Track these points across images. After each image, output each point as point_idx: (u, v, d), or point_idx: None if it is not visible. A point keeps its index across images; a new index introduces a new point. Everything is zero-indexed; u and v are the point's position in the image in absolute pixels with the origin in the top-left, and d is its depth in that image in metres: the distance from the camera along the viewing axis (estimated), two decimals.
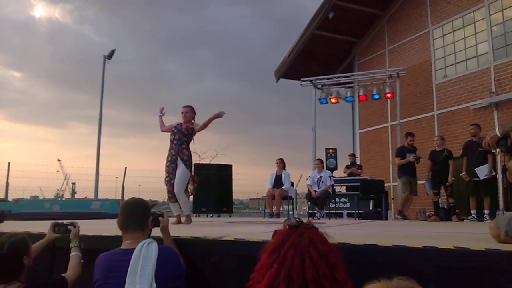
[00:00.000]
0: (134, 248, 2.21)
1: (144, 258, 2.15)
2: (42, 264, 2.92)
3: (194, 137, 5.83)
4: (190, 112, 5.79)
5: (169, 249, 2.32)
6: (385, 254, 2.40)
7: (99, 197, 14.60)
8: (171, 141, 5.74)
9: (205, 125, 5.75)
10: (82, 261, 2.74)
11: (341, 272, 1.37)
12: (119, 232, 3.32)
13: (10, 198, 13.16)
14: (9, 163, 13.05)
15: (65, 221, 2.97)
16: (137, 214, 2.41)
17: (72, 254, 2.75)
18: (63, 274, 2.56)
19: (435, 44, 11.86)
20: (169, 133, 5.80)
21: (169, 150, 5.75)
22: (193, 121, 5.82)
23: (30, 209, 11.59)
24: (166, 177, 5.69)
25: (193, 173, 5.87)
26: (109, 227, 4.78)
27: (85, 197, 16.18)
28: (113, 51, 15.78)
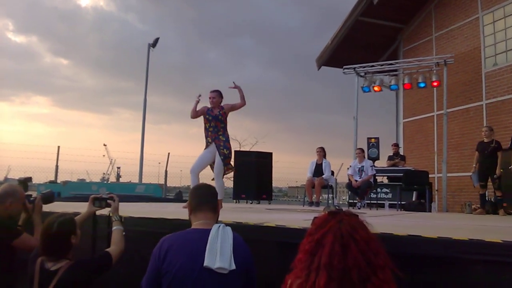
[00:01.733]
0: (208, 229, 2.23)
1: (222, 238, 2.18)
2: (84, 238, 3.02)
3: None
4: (217, 97, 5.81)
5: (240, 237, 2.32)
6: (429, 245, 2.37)
7: (143, 181, 15.01)
8: (207, 129, 5.79)
9: (242, 98, 5.81)
10: (124, 233, 2.77)
11: (382, 257, 1.38)
12: (165, 215, 3.42)
13: (59, 181, 13.77)
14: (58, 147, 13.61)
15: (104, 195, 2.98)
16: (211, 196, 2.45)
17: (114, 228, 2.80)
18: (107, 249, 2.63)
19: (485, 30, 11.32)
20: (203, 121, 5.83)
21: (206, 138, 5.79)
22: (221, 105, 5.84)
23: (78, 191, 12.06)
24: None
25: (231, 159, 5.88)
26: (155, 210, 4.94)
27: (130, 181, 16.69)
28: (157, 40, 15.99)
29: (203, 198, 2.41)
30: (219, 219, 2.90)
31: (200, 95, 5.87)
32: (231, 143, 5.91)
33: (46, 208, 3.90)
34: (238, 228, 2.93)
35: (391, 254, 1.40)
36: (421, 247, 2.40)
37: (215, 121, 5.75)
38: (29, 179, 3.59)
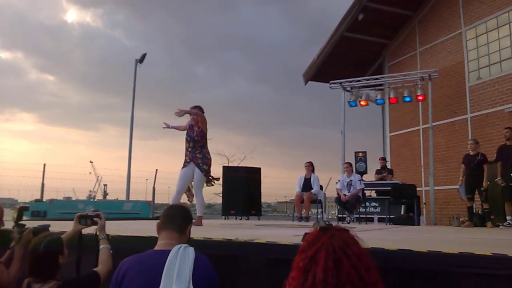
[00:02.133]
0: (168, 250, 2.14)
1: (181, 260, 2.08)
2: (70, 258, 2.88)
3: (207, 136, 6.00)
4: (197, 111, 5.91)
5: (204, 257, 2.23)
6: (420, 260, 2.36)
7: (130, 198, 14.86)
8: (186, 148, 5.96)
9: (195, 114, 5.86)
10: (111, 251, 2.71)
11: (374, 272, 1.38)
12: (153, 234, 3.37)
13: (45, 199, 13.56)
14: (44, 165, 13.44)
15: (90, 213, 2.90)
16: (180, 217, 2.36)
17: (101, 247, 2.73)
18: (95, 269, 2.58)
19: (468, 45, 11.55)
20: (184, 140, 6.00)
21: (185, 156, 5.97)
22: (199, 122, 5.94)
23: (64, 209, 11.89)
24: None
25: (210, 174, 6.00)
26: (143, 228, 4.87)
27: (117, 198, 16.51)
28: (144, 55, 16.06)
29: (170, 218, 2.33)
30: (206, 236, 2.88)
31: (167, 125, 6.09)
32: (210, 156, 6.04)
33: (33, 226, 3.83)
34: (228, 245, 2.92)
35: (381, 269, 1.40)
36: (412, 261, 2.40)
37: (193, 142, 5.93)
38: (26, 208, 3.44)
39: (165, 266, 2.04)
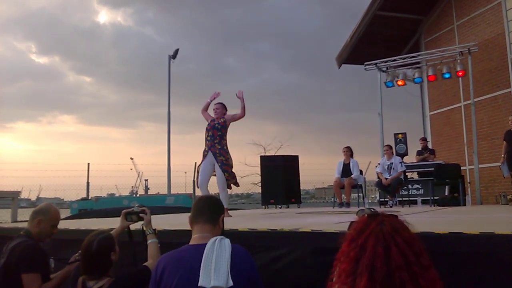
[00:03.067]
0: (204, 244, 2.10)
1: (217, 253, 2.03)
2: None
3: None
4: (221, 108, 6.13)
5: (242, 248, 2.19)
6: (472, 242, 2.29)
7: (171, 192, 15.13)
8: (205, 138, 6.10)
9: (243, 109, 6.09)
10: (158, 245, 2.73)
11: (425, 257, 1.34)
12: None
13: (90, 197, 14.03)
14: (88, 164, 13.89)
15: (135, 209, 2.92)
16: (209, 208, 2.31)
17: (149, 241, 2.77)
18: (145, 264, 2.61)
19: (509, 15, 10.98)
20: (204, 131, 6.15)
21: (205, 146, 6.10)
22: (224, 116, 6.13)
23: (110, 206, 12.23)
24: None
25: (231, 168, 6.08)
26: (187, 221, 4.94)
27: (158, 192, 16.87)
28: (177, 50, 16.13)
29: (200, 210, 2.29)
30: (252, 227, 2.88)
31: (217, 94, 6.29)
32: (228, 150, 6.10)
33: (82, 225, 3.97)
34: (273, 235, 2.92)
35: (433, 253, 1.37)
36: (464, 244, 2.33)
37: (212, 130, 6.05)
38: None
39: (202, 261, 2.02)
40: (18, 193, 7.54)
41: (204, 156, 6.05)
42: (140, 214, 2.89)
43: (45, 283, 2.72)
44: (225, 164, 5.93)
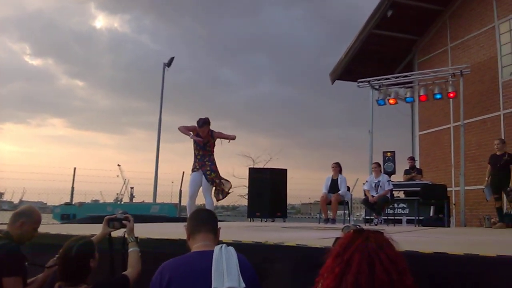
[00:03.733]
0: (209, 250, 2.16)
1: (226, 258, 2.10)
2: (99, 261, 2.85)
3: (220, 140, 6.35)
4: (207, 128, 6.19)
5: (243, 255, 2.23)
6: (456, 263, 2.27)
7: (156, 201, 14.98)
8: (195, 155, 6.30)
9: (229, 137, 6.32)
10: (139, 254, 2.68)
11: (409, 276, 1.34)
12: (182, 236, 3.35)
13: (74, 202, 13.83)
14: (74, 169, 13.71)
15: (118, 216, 2.87)
16: (210, 219, 2.39)
17: (130, 250, 2.71)
18: (124, 272, 2.56)
19: (502, 39, 11.15)
20: (193, 147, 6.33)
21: (194, 162, 6.30)
22: (211, 129, 6.25)
23: (94, 212, 12.07)
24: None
25: (220, 178, 6.26)
26: (171, 231, 4.88)
27: (143, 201, 16.73)
28: (172, 59, 16.11)
29: (201, 220, 2.35)
30: (236, 239, 2.84)
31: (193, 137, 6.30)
32: (217, 165, 6.31)
33: (63, 230, 3.88)
34: (257, 248, 2.87)
35: (416, 273, 1.36)
36: (448, 264, 2.31)
37: (203, 150, 6.25)
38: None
39: (213, 264, 2.06)
40: (0, 194, 7.38)
41: (194, 170, 6.26)
42: (123, 221, 2.83)
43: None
44: (214, 181, 6.18)
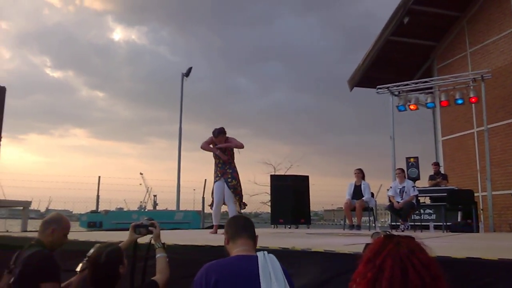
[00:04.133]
0: (252, 255, 2.20)
1: (271, 263, 2.14)
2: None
3: (236, 150, 6.39)
4: (223, 137, 6.25)
5: (282, 265, 2.27)
6: (490, 268, 2.24)
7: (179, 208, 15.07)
8: (216, 164, 6.32)
9: (236, 146, 6.32)
10: (167, 259, 2.70)
11: (442, 282, 1.30)
12: (208, 243, 3.39)
13: (99, 210, 14.03)
14: (99, 177, 13.88)
15: (144, 222, 2.90)
16: (250, 226, 2.41)
17: (157, 256, 2.74)
18: (153, 278, 2.58)
19: None
20: (213, 156, 6.34)
21: (215, 172, 6.32)
22: (228, 141, 6.29)
23: (119, 219, 12.21)
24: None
25: (241, 191, 6.33)
26: (197, 237, 4.93)
27: (166, 208, 16.83)
28: (190, 69, 16.30)
29: (241, 226, 2.37)
30: (262, 245, 2.85)
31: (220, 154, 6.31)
32: (239, 174, 6.34)
33: (92, 238, 3.95)
34: (285, 254, 2.87)
35: (448, 278, 1.33)
36: (482, 270, 2.27)
37: (222, 159, 6.26)
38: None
39: (260, 269, 2.09)
40: (29, 203, 7.57)
41: (216, 179, 6.31)
42: (150, 228, 2.86)
43: None
44: (235, 189, 6.21)
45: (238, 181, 6.28)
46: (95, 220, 12.63)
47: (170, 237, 3.92)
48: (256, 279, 2.05)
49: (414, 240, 1.41)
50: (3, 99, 7.22)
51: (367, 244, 1.66)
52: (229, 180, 6.18)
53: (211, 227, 6.74)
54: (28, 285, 2.65)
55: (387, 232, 1.72)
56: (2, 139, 7.11)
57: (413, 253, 1.33)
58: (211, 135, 6.26)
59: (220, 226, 6.21)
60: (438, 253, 2.38)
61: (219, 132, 6.22)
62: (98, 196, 13.61)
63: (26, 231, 6.69)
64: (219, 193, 6.23)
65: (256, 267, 2.10)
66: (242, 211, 6.55)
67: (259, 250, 2.58)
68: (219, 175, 6.25)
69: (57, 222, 2.94)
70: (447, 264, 2.04)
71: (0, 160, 7.10)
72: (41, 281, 2.61)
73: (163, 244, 2.83)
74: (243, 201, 6.38)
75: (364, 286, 1.33)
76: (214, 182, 6.33)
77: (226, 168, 6.24)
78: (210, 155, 6.41)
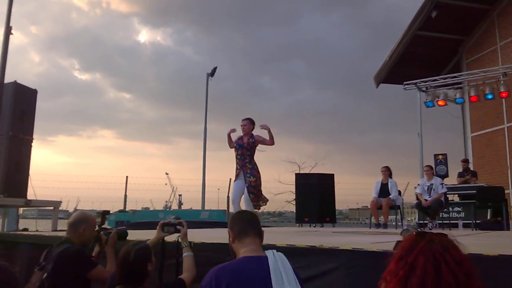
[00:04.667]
0: (262, 255, 2.10)
1: (282, 263, 2.05)
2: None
3: (261, 146, 6.22)
4: (248, 124, 6.17)
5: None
6: None
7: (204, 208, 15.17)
8: (236, 157, 6.17)
9: (271, 138, 6.12)
10: (193, 258, 2.73)
11: (476, 279, 1.30)
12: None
13: (127, 209, 14.26)
14: (127, 177, 14.07)
15: (172, 221, 2.93)
16: (256, 221, 2.29)
17: (184, 254, 2.77)
18: (180, 276, 2.62)
19: None
20: (233, 149, 6.22)
21: (236, 168, 6.17)
22: (252, 133, 6.19)
23: (146, 219, 12.38)
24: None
25: (260, 190, 6.18)
26: (222, 235, 4.95)
27: (191, 207, 16.94)
28: (215, 69, 16.29)
29: (248, 223, 2.24)
30: (289, 243, 2.83)
31: (234, 129, 6.28)
32: (258, 169, 6.19)
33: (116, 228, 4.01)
34: (312, 252, 2.86)
35: (481, 276, 1.31)
36: None
37: (241, 149, 6.13)
38: (107, 212, 3.72)
39: (271, 271, 2.01)
40: (59, 203, 7.76)
41: (237, 175, 6.20)
42: (177, 226, 2.89)
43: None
44: (253, 186, 6.05)
45: (258, 179, 6.15)
46: (123, 219, 12.82)
47: (196, 235, 3.95)
48: (268, 281, 1.98)
49: (447, 237, 1.40)
50: (35, 101, 7.40)
51: (398, 242, 1.64)
52: (247, 175, 6.07)
53: None
54: (62, 280, 2.77)
55: (418, 230, 1.69)
56: (33, 141, 7.29)
57: (447, 250, 1.32)
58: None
59: None
60: (470, 251, 2.33)
61: (246, 118, 6.24)
62: (125, 195, 13.82)
63: (57, 230, 6.84)
64: (236, 191, 6.18)
65: (267, 268, 2.02)
66: (262, 208, 6.52)
67: (282, 248, 2.57)
68: (238, 168, 6.14)
69: (86, 221, 3.09)
70: (478, 261, 1.99)
71: (31, 161, 7.27)
72: (87, 272, 2.84)
73: (190, 243, 2.86)
74: (264, 196, 6.27)
75: (395, 284, 1.32)
76: (235, 180, 6.27)
77: (246, 162, 6.12)
78: (233, 154, 6.32)
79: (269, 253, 2.10)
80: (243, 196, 6.13)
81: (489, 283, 1.35)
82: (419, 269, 1.29)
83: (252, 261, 2.08)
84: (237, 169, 6.18)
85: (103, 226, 3.27)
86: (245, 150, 6.13)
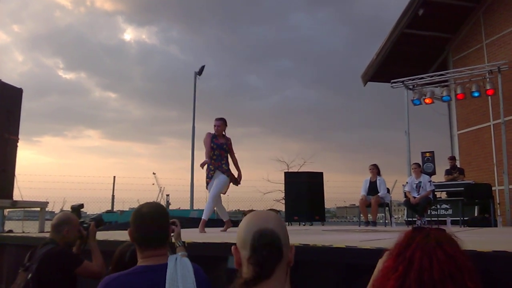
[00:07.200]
0: (161, 264, 1.88)
1: (182, 274, 1.83)
2: None
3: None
4: (222, 125, 6.07)
5: (197, 265, 2.01)
6: None
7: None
8: (211, 157, 5.97)
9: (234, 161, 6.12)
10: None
11: (473, 276, 1.28)
12: (228, 240, 3.37)
13: (114, 210, 14.16)
14: (114, 177, 14.08)
15: None
16: (160, 227, 2.03)
17: (179, 254, 2.77)
18: None
19: None
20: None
21: (208, 165, 6.00)
22: (224, 133, 6.12)
23: None
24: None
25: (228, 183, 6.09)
26: (214, 235, 4.94)
27: (179, 207, 16.89)
28: (202, 67, 16.22)
29: (149, 233, 1.96)
30: None
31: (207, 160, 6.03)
32: (231, 172, 6.11)
33: (110, 237, 3.97)
34: (305, 251, 2.85)
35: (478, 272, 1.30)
36: (509, 263, 2.22)
37: (219, 150, 6.00)
38: (81, 205, 3.73)
39: (167, 283, 1.81)
40: (46, 203, 7.65)
41: (211, 176, 6.00)
42: (172, 226, 2.87)
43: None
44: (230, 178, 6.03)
45: (230, 180, 6.05)
46: (111, 219, 12.72)
47: (187, 235, 3.92)
48: None
49: (444, 232, 1.40)
50: (20, 101, 7.30)
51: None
52: (224, 168, 5.98)
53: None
54: (48, 279, 2.80)
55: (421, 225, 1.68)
56: (18, 142, 7.19)
57: (440, 245, 1.32)
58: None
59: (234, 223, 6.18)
60: (463, 247, 2.33)
61: (219, 118, 6.13)
62: (113, 196, 13.73)
63: (44, 231, 6.75)
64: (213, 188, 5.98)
65: (163, 280, 1.81)
66: (254, 207, 6.45)
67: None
68: (213, 168, 5.96)
69: (69, 222, 3.12)
70: (472, 258, 2.00)
71: (16, 162, 7.16)
72: (75, 268, 2.89)
73: (184, 242, 2.83)
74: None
75: (395, 280, 1.31)
76: (210, 180, 6.02)
77: (222, 163, 6.00)
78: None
79: (171, 260, 1.90)
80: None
81: (483, 280, 1.34)
82: (416, 264, 1.29)
83: (147, 271, 1.86)
84: (211, 170, 5.98)
85: (80, 220, 3.27)
86: (223, 151, 6.04)
